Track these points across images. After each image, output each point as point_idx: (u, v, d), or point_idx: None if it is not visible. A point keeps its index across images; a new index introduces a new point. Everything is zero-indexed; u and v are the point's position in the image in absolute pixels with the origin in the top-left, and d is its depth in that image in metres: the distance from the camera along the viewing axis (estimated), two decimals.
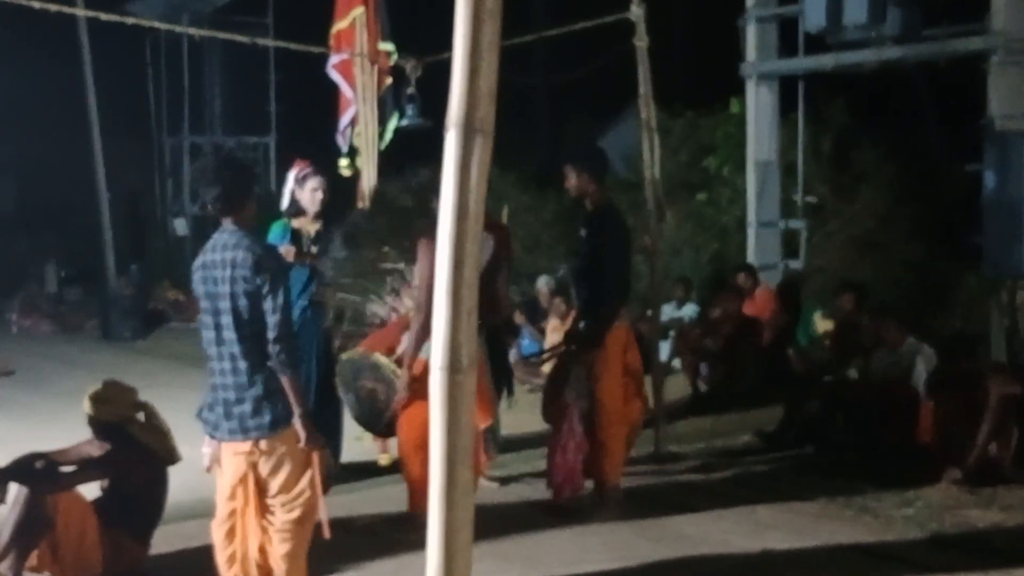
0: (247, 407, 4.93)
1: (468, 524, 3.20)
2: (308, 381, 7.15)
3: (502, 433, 8.02)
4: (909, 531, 6.56)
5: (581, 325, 7.11)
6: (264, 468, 4.98)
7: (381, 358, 7.26)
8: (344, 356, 7.71)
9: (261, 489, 5.02)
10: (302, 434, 4.95)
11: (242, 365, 4.93)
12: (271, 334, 4.86)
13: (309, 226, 7.67)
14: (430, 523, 3.18)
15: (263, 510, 5.03)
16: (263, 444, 4.95)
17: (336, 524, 6.55)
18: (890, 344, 8.70)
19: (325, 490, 5.66)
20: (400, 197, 12.31)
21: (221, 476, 5.12)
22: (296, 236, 7.58)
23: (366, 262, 6.73)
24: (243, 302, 4.89)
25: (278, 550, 5.05)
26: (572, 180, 6.95)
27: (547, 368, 10.56)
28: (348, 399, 7.43)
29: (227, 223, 5.04)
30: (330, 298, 8.52)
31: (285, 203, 7.76)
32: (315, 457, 5.06)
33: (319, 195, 7.63)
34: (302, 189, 7.67)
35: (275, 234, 7.53)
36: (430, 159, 4.95)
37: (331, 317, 8.84)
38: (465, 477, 3.17)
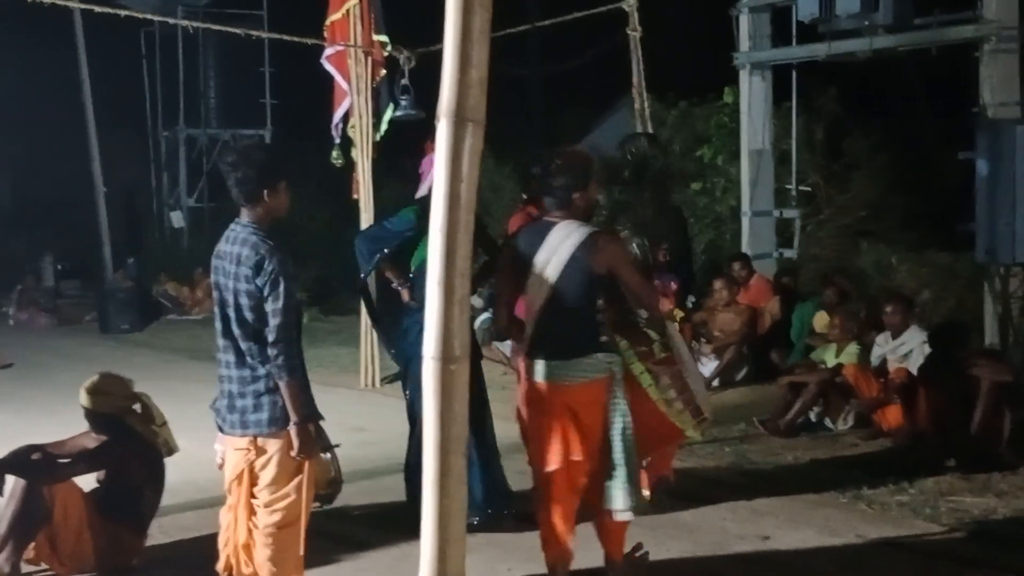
0: (248, 402, 4.87)
1: (461, 512, 3.23)
2: None
3: None
4: (904, 517, 6.61)
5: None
6: (257, 464, 4.93)
7: None
8: None
9: (253, 486, 4.96)
10: (295, 442, 4.84)
11: (246, 361, 4.87)
12: (270, 337, 4.77)
13: None
14: (423, 511, 3.22)
15: (252, 510, 4.97)
16: (259, 441, 4.89)
17: (335, 514, 6.58)
18: (893, 329, 8.73)
19: (328, 501, 5.56)
20: None
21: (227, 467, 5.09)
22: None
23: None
24: (245, 300, 4.81)
25: (260, 554, 4.96)
26: None
27: None
28: None
29: (243, 214, 4.94)
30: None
31: (424, 190, 6.98)
32: (308, 466, 4.96)
33: None
34: None
35: (403, 220, 6.82)
36: None
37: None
38: (458, 465, 3.20)
